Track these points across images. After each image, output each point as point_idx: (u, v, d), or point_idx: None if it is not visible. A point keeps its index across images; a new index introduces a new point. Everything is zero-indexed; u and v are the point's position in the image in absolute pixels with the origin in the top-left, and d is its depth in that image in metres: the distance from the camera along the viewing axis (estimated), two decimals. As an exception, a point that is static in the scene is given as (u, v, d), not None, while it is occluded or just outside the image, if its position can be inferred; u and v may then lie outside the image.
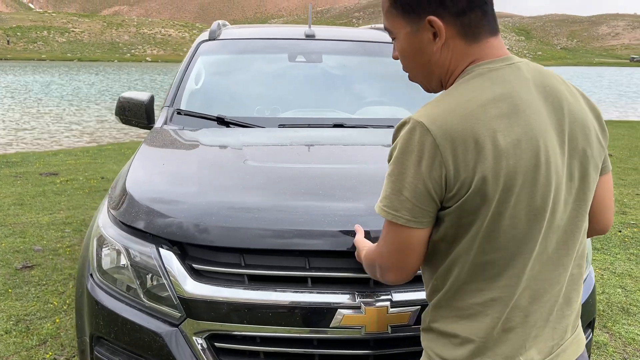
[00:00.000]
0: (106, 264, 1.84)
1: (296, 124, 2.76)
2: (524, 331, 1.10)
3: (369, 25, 4.17)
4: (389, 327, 1.58)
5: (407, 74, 1.21)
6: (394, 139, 1.07)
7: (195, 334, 1.64)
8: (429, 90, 1.22)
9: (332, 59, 3.30)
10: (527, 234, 1.05)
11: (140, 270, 1.73)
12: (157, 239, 1.72)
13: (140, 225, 1.76)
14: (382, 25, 4.00)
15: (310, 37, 3.40)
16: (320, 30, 3.56)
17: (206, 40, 3.37)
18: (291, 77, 3.21)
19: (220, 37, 3.41)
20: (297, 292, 1.61)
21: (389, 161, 1.08)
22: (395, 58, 1.22)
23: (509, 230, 1.03)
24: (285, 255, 1.66)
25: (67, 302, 3.54)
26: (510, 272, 1.06)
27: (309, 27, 3.57)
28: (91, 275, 1.87)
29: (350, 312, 1.58)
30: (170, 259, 1.68)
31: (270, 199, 1.80)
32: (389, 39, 3.51)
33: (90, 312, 1.82)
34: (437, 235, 1.08)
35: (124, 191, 1.92)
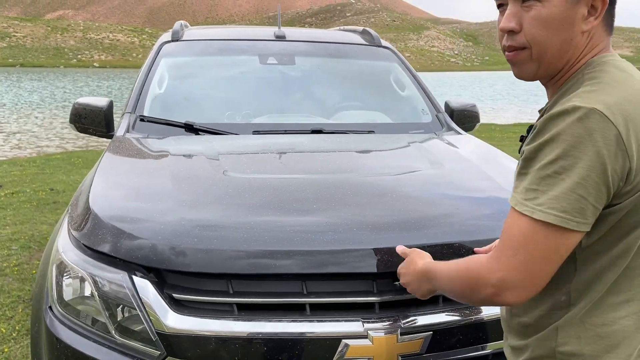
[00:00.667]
0: (68, 294, 1.60)
1: (272, 130, 2.58)
2: None
3: (338, 27, 4.03)
4: (399, 358, 1.42)
5: (521, 49, 1.01)
6: (547, 130, 0.91)
7: (178, 374, 1.42)
8: (532, 75, 1.04)
9: (305, 61, 3.13)
10: None
11: (109, 301, 1.50)
12: (130, 265, 1.50)
13: (109, 249, 1.53)
14: (352, 27, 3.86)
15: (280, 38, 3.22)
16: (290, 31, 3.39)
17: (169, 42, 3.14)
18: (263, 80, 3.02)
19: (184, 38, 3.18)
20: (294, 321, 1.42)
21: (532, 157, 0.93)
22: (506, 30, 1.02)
23: None
24: (279, 279, 1.47)
25: (17, 328, 3.21)
26: None
27: (279, 27, 3.38)
28: (50, 307, 1.62)
29: (356, 342, 1.40)
30: (145, 288, 1.46)
31: (259, 215, 1.61)
32: (362, 41, 3.37)
33: (50, 352, 1.57)
34: (589, 240, 0.94)
35: (87, 209, 1.68)
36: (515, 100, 27.37)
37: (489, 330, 1.51)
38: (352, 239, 1.51)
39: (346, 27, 3.89)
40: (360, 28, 3.65)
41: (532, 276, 0.93)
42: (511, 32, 1.01)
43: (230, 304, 1.44)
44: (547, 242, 0.91)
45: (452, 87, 39.41)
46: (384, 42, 3.40)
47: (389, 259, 1.48)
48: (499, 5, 1.06)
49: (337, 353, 1.39)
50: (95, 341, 1.51)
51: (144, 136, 2.47)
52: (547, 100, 1.08)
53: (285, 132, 2.56)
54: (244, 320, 1.41)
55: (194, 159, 2.11)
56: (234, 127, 2.59)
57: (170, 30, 3.30)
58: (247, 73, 3.05)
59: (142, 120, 2.61)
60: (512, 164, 2.26)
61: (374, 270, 1.46)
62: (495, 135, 11.91)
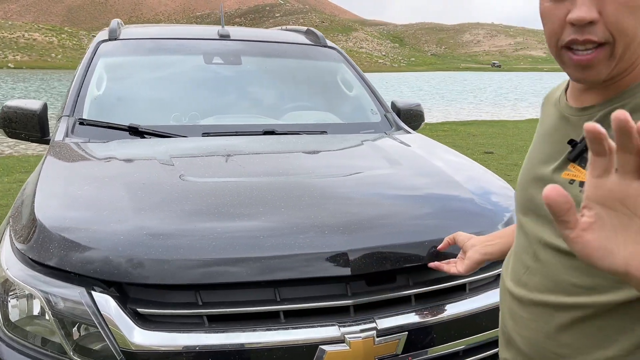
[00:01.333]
0: (15, 315, 1.46)
1: (222, 131, 2.50)
2: None
3: (280, 27, 3.98)
4: (377, 360, 1.40)
5: (599, 45, 0.82)
6: None
7: (146, 394, 1.33)
8: (604, 77, 0.84)
9: (251, 60, 3.06)
10: None
11: (65, 320, 1.38)
12: (87, 280, 1.39)
13: (62, 263, 1.41)
14: (295, 27, 3.83)
15: (224, 37, 3.14)
16: (234, 31, 3.31)
17: (106, 40, 2.97)
18: (209, 81, 2.92)
19: (122, 37, 3.03)
20: (268, 329, 1.37)
21: None
22: (586, 21, 0.81)
23: None
24: (250, 287, 1.42)
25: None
26: None
27: (222, 26, 3.30)
28: (-5, 331, 1.48)
29: (333, 347, 1.37)
30: (107, 303, 1.36)
31: (224, 220, 1.54)
32: (307, 41, 3.35)
33: (-2, 379, 1.43)
34: None
35: (33, 220, 1.55)
36: (441, 100, 28.39)
37: (461, 326, 1.52)
38: (323, 242, 1.47)
39: (289, 27, 3.85)
40: (304, 28, 3.63)
41: None
42: (590, 24, 0.82)
43: (200, 316, 1.37)
44: None
45: (382, 89, 40.25)
46: (329, 43, 3.39)
47: (362, 261, 1.46)
48: None
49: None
50: None
51: (84, 140, 2.32)
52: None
53: (236, 133, 2.49)
54: (216, 332, 1.35)
55: (146, 164, 1.99)
56: (182, 129, 2.49)
57: (107, 28, 3.14)
58: (191, 73, 2.94)
59: (81, 123, 2.45)
60: (466, 161, 2.31)
61: (348, 272, 1.43)
62: (425, 133, 12.12)
